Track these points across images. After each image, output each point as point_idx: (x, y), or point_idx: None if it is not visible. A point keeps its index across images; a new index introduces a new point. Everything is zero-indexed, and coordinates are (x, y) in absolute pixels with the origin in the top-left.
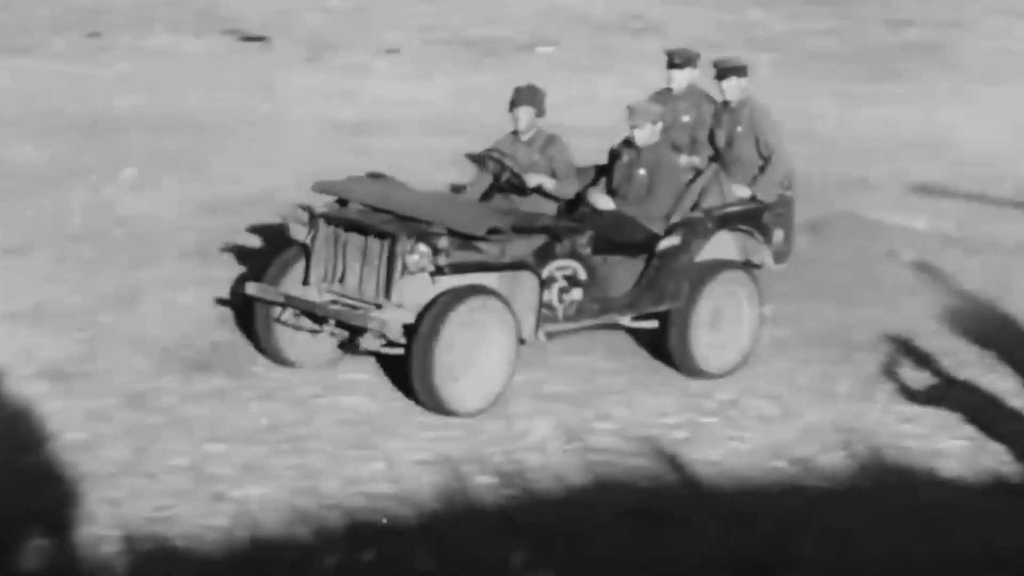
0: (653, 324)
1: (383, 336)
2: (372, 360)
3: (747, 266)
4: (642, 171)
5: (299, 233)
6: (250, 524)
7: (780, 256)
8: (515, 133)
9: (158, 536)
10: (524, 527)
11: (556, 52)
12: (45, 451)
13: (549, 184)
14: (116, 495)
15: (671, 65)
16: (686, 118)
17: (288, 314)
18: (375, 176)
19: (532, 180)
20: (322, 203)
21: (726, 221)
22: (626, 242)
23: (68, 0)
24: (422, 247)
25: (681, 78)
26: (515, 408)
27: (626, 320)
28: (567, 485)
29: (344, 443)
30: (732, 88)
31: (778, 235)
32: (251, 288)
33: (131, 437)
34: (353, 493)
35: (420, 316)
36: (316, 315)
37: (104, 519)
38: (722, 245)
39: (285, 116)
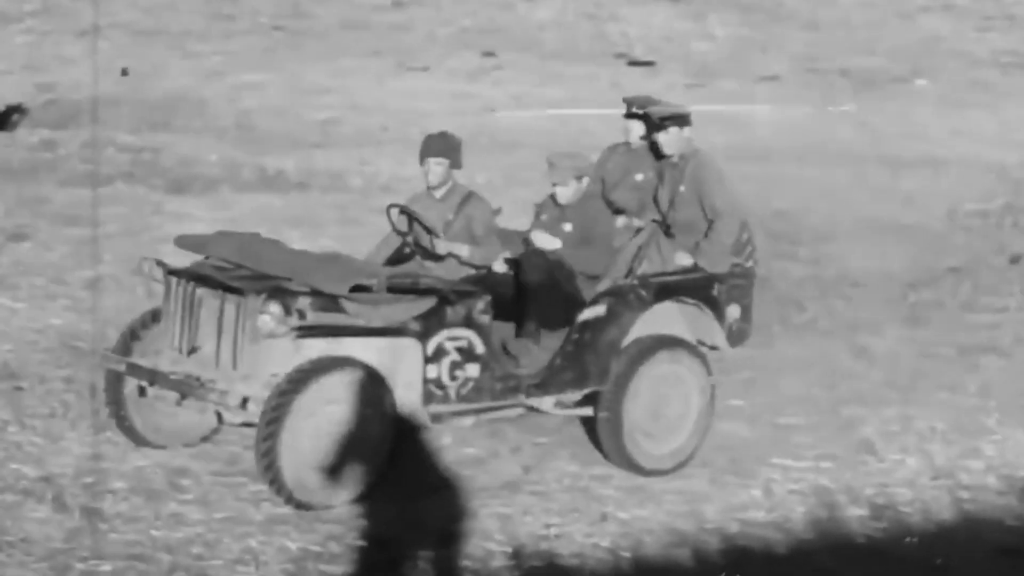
0: (587, 411)
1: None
2: (751, 385)
3: (695, 345)
4: (568, 226)
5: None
6: (633, 545)
7: (736, 336)
8: (429, 189)
9: (546, 552)
10: (894, 560)
11: (928, 85)
12: (443, 464)
13: (464, 252)
14: (507, 511)
15: (629, 115)
16: (639, 177)
17: (150, 386)
18: (247, 233)
19: (441, 247)
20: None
21: (666, 291)
22: (547, 308)
23: (466, 20)
24: (273, 307)
25: (639, 130)
26: (887, 443)
27: (546, 405)
28: (936, 521)
29: (723, 469)
30: (672, 140)
31: (733, 311)
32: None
33: (520, 455)
34: (731, 519)
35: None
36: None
37: (495, 534)
38: (665, 320)
39: None
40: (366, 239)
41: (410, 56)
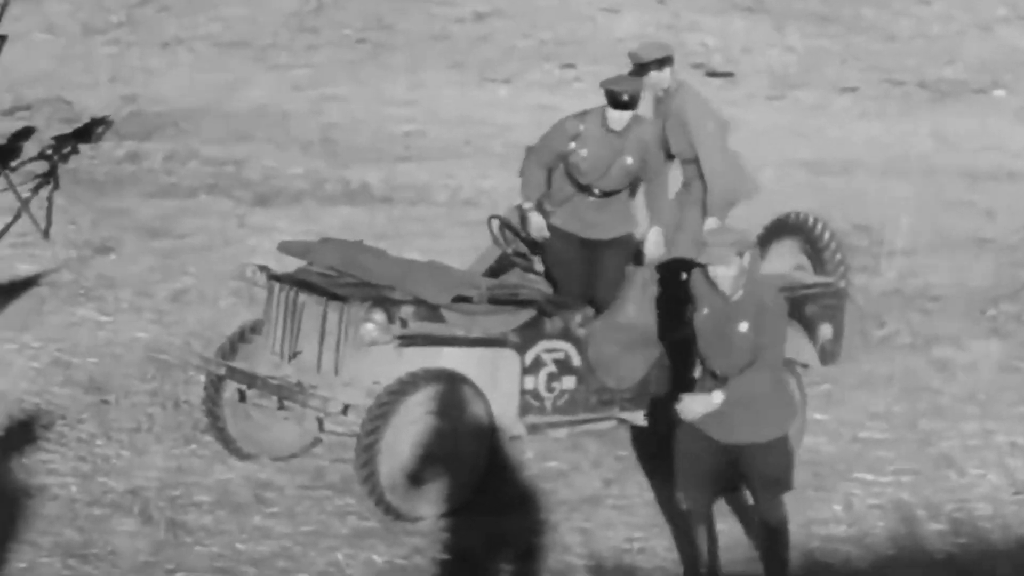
0: None
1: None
2: (831, 399)
3: (793, 364)
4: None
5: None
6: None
7: (828, 356)
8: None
9: (627, 567)
10: None
11: (1007, 96)
12: (525, 478)
13: None
14: (588, 525)
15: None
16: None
17: (252, 393)
18: (351, 241)
19: (541, 265)
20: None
21: None
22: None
23: (546, 32)
24: (377, 315)
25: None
26: (967, 457)
27: (639, 419)
28: (1017, 536)
29: (804, 483)
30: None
31: (825, 330)
32: (196, 359)
33: (601, 469)
34: (811, 534)
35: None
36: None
37: (576, 547)
38: None
39: (747, 152)
40: (450, 253)
41: (491, 68)
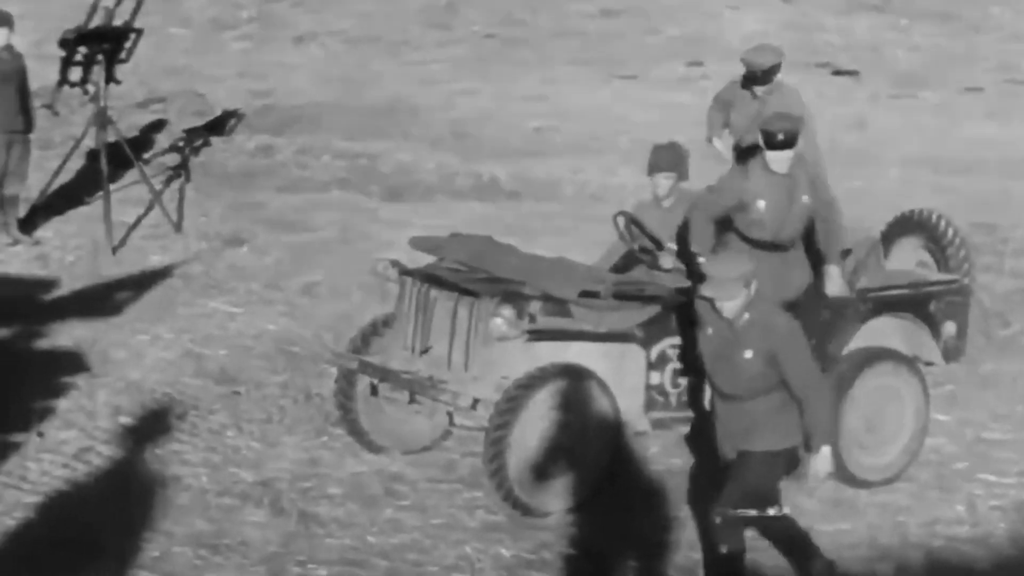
0: None
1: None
2: (954, 400)
3: (918, 364)
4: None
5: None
6: (835, 559)
7: (951, 353)
8: (656, 199)
9: (749, 563)
10: None
11: None
12: (651, 474)
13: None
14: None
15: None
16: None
17: (384, 387)
18: (480, 236)
19: (667, 262)
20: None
21: (884, 305)
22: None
23: (673, 29)
24: (506, 310)
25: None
26: None
27: None
28: None
29: (926, 484)
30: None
31: (949, 328)
32: (328, 354)
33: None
34: (934, 534)
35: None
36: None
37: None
38: (882, 334)
39: (871, 151)
40: (577, 248)
41: (619, 65)
